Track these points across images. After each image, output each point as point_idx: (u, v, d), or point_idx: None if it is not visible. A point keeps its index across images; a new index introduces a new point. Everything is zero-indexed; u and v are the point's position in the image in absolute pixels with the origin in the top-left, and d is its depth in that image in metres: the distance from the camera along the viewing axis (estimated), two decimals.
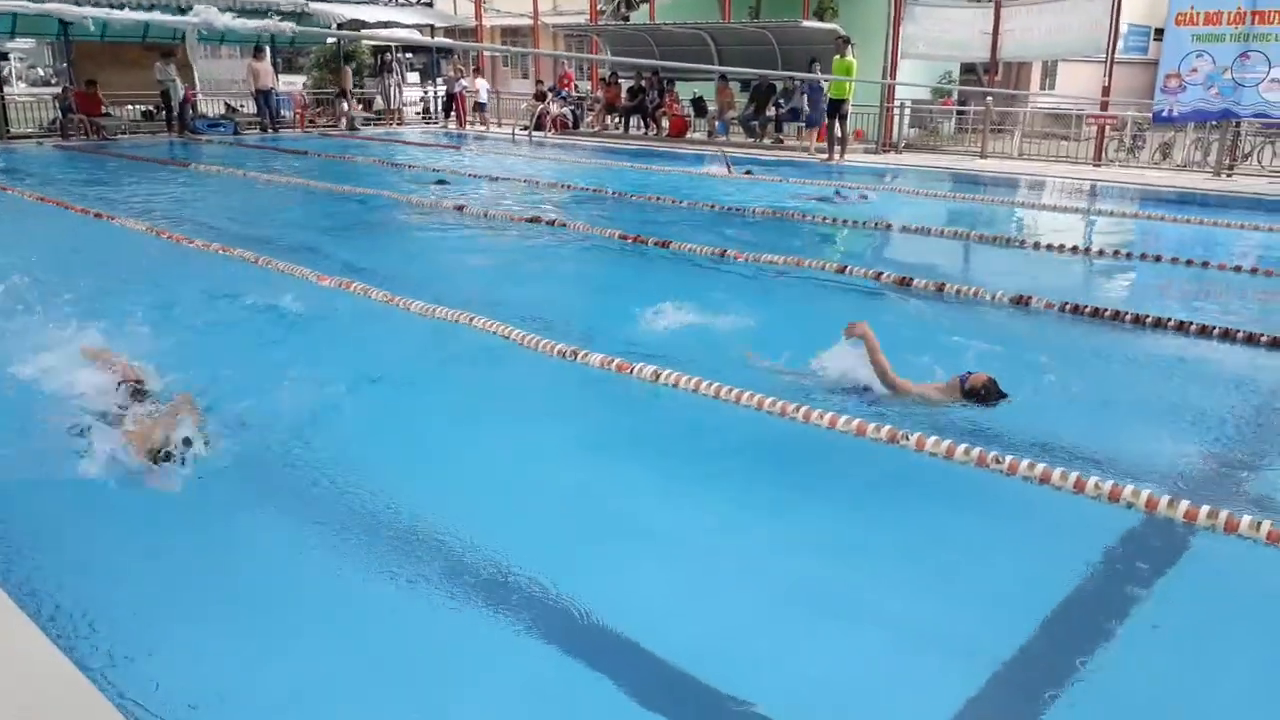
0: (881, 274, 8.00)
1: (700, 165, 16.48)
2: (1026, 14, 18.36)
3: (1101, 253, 9.49)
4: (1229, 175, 15.84)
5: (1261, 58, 15.21)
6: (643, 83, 22.74)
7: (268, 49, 23.16)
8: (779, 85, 20.30)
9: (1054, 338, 6.61)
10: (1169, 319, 6.59)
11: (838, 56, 16.46)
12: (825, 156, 17.51)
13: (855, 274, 8.13)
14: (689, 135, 22.03)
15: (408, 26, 25.61)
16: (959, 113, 22.20)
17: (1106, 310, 6.84)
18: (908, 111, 21.52)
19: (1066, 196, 14.37)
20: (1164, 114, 16.33)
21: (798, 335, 5.98)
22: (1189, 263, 8.83)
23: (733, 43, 21.54)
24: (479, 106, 25.63)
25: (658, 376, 5.21)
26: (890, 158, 18.95)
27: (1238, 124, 16.01)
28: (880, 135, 19.84)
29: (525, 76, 34.85)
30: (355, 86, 26.03)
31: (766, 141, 20.38)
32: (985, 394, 4.76)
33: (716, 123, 21.59)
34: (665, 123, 22.23)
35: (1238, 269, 8.71)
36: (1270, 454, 4.65)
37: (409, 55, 25.95)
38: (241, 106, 24.60)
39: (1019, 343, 6.30)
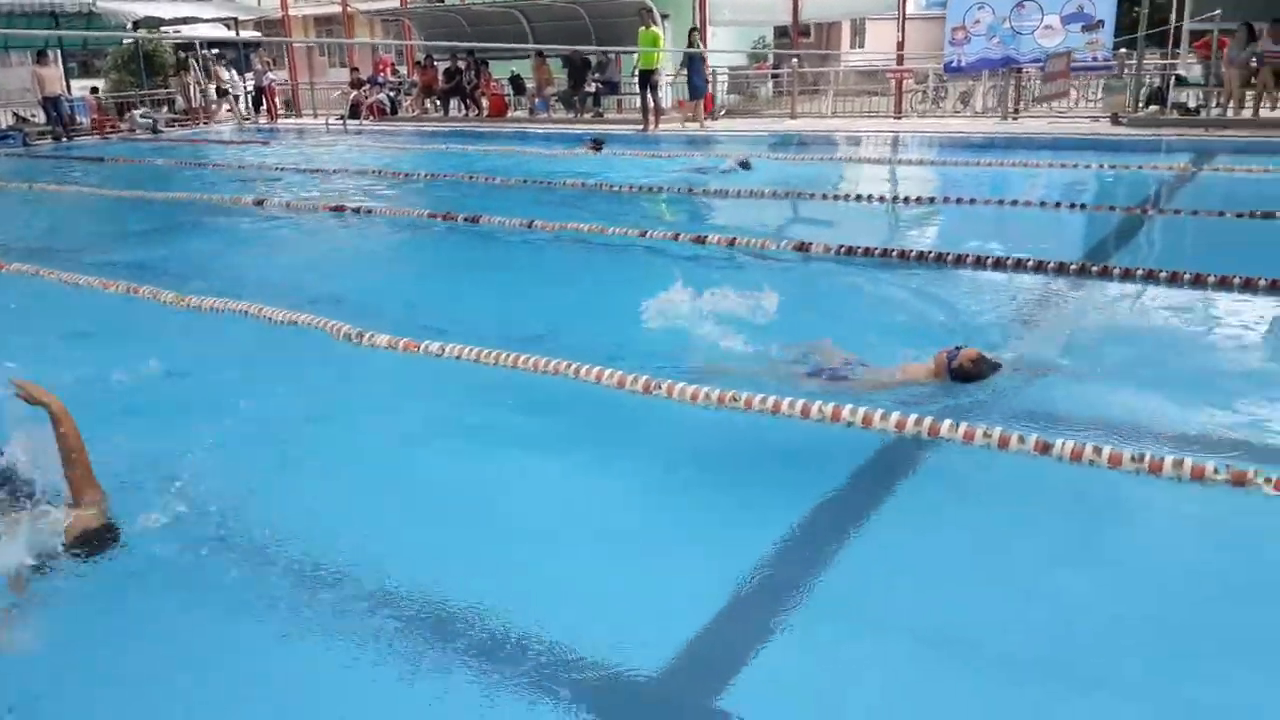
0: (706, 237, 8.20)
1: (542, 146, 16.37)
2: None
3: (898, 200, 10.05)
4: (1015, 118, 16.88)
5: (1035, 7, 16.21)
6: (459, 64, 22.45)
7: (54, 53, 21.76)
8: (593, 59, 20.40)
9: (833, 278, 6.97)
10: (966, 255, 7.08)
11: (642, 28, 16.68)
12: (696, 126, 17.81)
13: (664, 238, 8.31)
14: (510, 114, 21.92)
15: (208, 21, 24.52)
16: (773, 76, 22.91)
17: (911, 251, 7.27)
18: (724, 79, 22.06)
19: (863, 148, 15.04)
20: (953, 65, 17.23)
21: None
22: (973, 201, 9.48)
23: (545, 19, 21.50)
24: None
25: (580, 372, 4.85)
26: (707, 124, 19.38)
27: (1019, 70, 17.03)
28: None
29: (344, 65, 33.86)
30: (158, 87, 24.79)
31: (586, 116, 20.48)
32: (977, 371, 4.39)
33: (536, 100, 21.55)
34: (485, 103, 22.03)
35: (1028, 204, 9.29)
36: (1058, 368, 4.99)
37: (214, 51, 24.77)
38: (32, 116, 23.07)
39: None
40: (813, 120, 18.81)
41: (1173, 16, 15.96)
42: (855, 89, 21.96)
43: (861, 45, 31.74)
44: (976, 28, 16.70)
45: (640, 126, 17.62)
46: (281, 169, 14.74)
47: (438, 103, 23.08)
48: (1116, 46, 16.03)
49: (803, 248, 7.57)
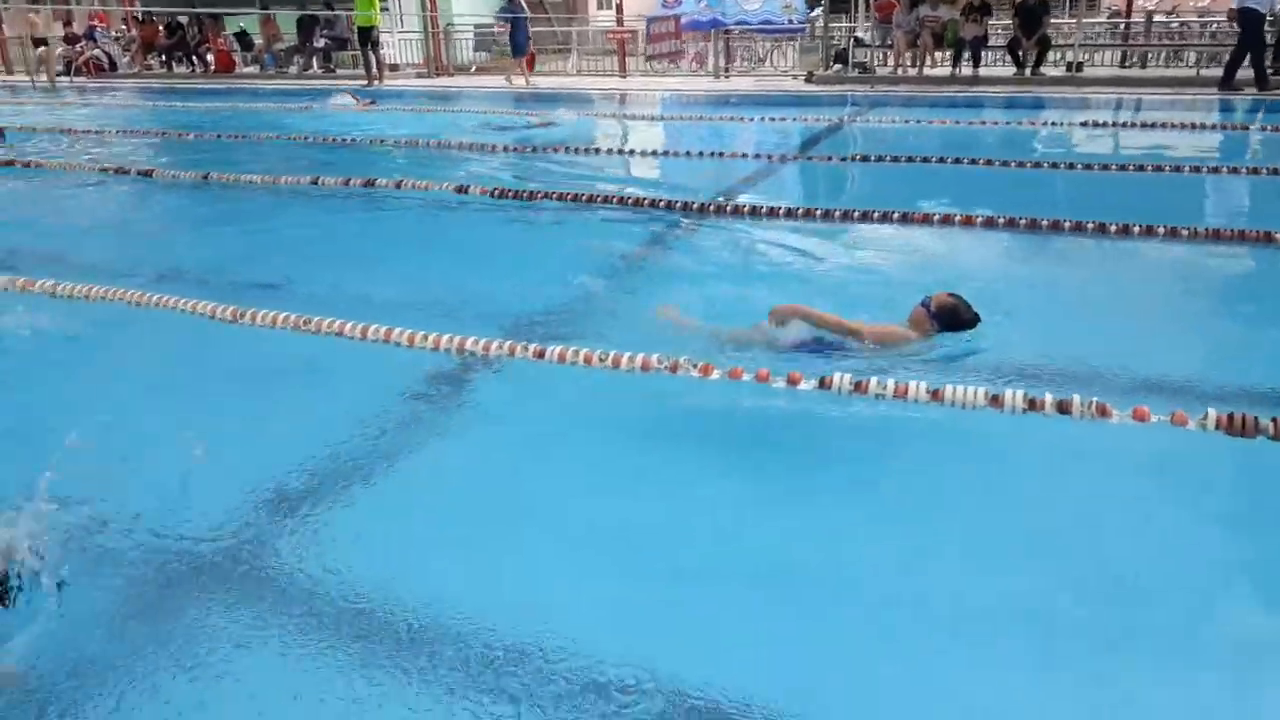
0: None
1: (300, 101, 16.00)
2: None
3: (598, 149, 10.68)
4: (726, 77, 18.04)
5: None
6: (181, 19, 21.50)
7: None
8: (321, 15, 20.08)
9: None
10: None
11: None
12: (522, 83, 17.86)
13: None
14: (238, 70, 21.23)
15: None
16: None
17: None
18: (467, 37, 22.29)
19: (591, 105, 15.70)
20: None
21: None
22: (687, 154, 10.10)
23: None
24: None
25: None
26: (442, 80, 19.58)
27: (728, 32, 18.17)
28: (431, 59, 20.32)
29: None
30: None
31: (319, 70, 20.18)
32: (961, 315, 4.12)
33: (265, 55, 20.99)
34: (210, 59, 21.23)
35: (733, 155, 9.87)
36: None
37: None
38: None
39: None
40: (556, 79, 19.44)
41: None
42: (603, 49, 22.71)
43: (609, 7, 32.44)
44: None
45: (364, 82, 17.59)
46: None
47: (162, 59, 22.04)
48: (811, 8, 17.44)
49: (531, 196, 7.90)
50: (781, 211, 7.21)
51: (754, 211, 7.29)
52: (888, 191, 8.24)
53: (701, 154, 9.90)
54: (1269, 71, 13.10)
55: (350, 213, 7.75)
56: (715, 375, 3.81)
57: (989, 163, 8.76)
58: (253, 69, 21.54)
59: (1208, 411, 3.23)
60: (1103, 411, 3.31)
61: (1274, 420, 3.18)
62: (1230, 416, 3.20)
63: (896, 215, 6.64)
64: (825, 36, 17.01)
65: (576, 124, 12.86)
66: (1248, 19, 12.60)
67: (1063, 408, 3.37)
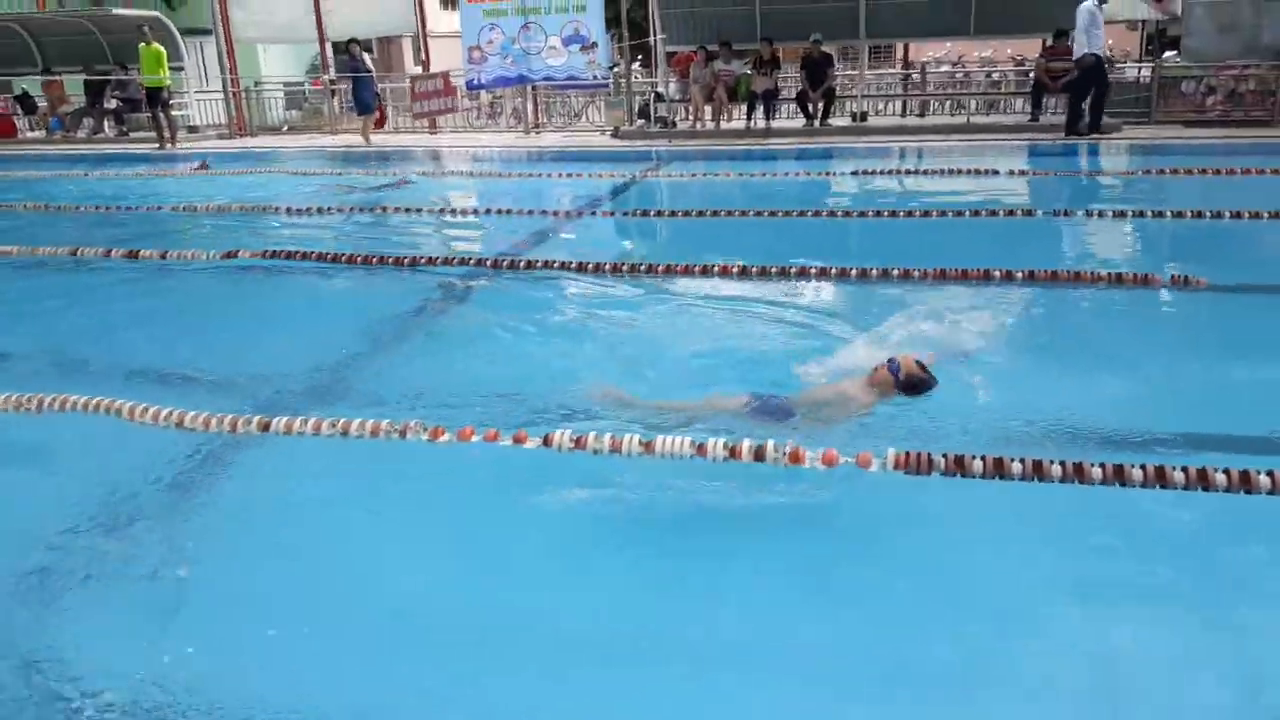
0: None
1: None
2: None
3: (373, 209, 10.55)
4: (537, 133, 18.25)
5: (539, 29, 17.61)
6: None
7: None
8: (112, 76, 19.24)
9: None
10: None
11: (143, 45, 16.07)
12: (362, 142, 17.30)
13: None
14: (19, 135, 20.05)
15: None
16: (333, 94, 22.89)
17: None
18: (277, 96, 21.85)
19: (403, 163, 15.54)
20: (473, 83, 18.23)
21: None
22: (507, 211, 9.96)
23: (53, 34, 19.94)
24: None
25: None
26: (247, 140, 19.03)
27: (535, 87, 18.41)
28: (231, 119, 19.75)
29: None
30: None
31: (111, 133, 19.28)
32: (923, 382, 4.07)
33: (51, 119, 19.90)
34: None
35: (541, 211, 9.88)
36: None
37: None
38: None
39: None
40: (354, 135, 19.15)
41: (652, 39, 18.01)
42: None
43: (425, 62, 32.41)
44: (490, 47, 17.81)
45: (155, 145, 16.92)
46: None
47: None
48: (612, 65, 17.87)
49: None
50: (605, 267, 7.04)
51: (564, 266, 7.13)
52: (689, 244, 8.49)
53: (508, 211, 9.90)
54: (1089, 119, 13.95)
55: (113, 285, 7.40)
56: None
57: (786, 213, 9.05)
58: (38, 134, 20.37)
59: (887, 451, 3.43)
60: (795, 458, 3.47)
61: (944, 456, 3.41)
62: (906, 455, 3.40)
63: (700, 268, 6.77)
64: (629, 92, 17.46)
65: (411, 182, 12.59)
66: (1094, 64, 13.40)
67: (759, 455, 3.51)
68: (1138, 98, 15.61)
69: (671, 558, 3.19)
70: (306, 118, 22.45)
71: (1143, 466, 3.26)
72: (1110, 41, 23.05)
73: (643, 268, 6.87)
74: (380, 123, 18.51)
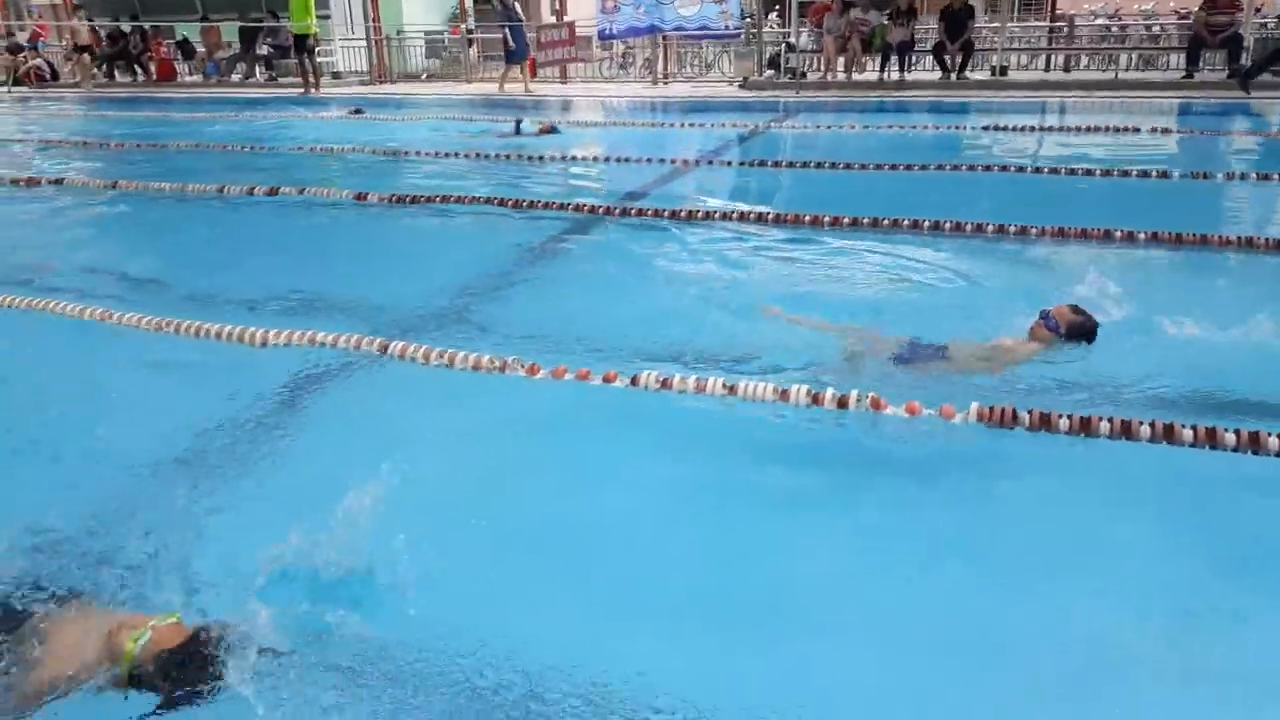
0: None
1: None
2: None
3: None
4: (665, 83, 18.25)
5: None
6: (123, 28, 21.45)
7: None
8: (264, 24, 20.13)
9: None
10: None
11: None
12: (519, 89, 17.65)
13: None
14: (179, 79, 21.22)
15: None
16: (470, 43, 23.35)
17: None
18: (418, 44, 22.48)
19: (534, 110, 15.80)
20: (605, 32, 18.32)
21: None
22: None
23: None
24: None
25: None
26: (386, 87, 19.67)
27: (665, 38, 18.37)
28: (373, 66, 20.42)
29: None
30: None
31: (261, 78, 20.21)
32: (1083, 326, 4.02)
33: (208, 64, 20.99)
34: (153, 68, 21.21)
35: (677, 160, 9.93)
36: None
37: None
38: None
39: None
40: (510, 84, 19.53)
41: None
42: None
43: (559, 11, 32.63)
44: None
45: (301, 90, 17.67)
46: None
47: (103, 68, 21.97)
48: (745, 15, 17.66)
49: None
50: (716, 215, 7.14)
51: (674, 215, 7.17)
52: (805, 196, 8.47)
53: (626, 159, 10.03)
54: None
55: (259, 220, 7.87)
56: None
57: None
58: (195, 77, 21.53)
59: (970, 406, 3.43)
60: (877, 405, 3.50)
61: (1030, 412, 3.38)
62: (990, 409, 3.39)
63: (830, 220, 6.73)
64: (759, 42, 17.24)
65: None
66: None
67: (842, 402, 3.55)
68: None
69: (752, 501, 3.26)
70: (445, 66, 23.01)
71: (1236, 431, 3.17)
72: None
73: (753, 216, 6.90)
74: (532, 71, 18.63)
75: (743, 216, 6.97)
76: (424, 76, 21.65)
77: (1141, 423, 3.27)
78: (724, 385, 3.69)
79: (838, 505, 3.19)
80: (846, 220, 6.62)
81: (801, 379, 3.79)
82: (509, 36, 17.46)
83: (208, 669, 2.13)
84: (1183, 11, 19.85)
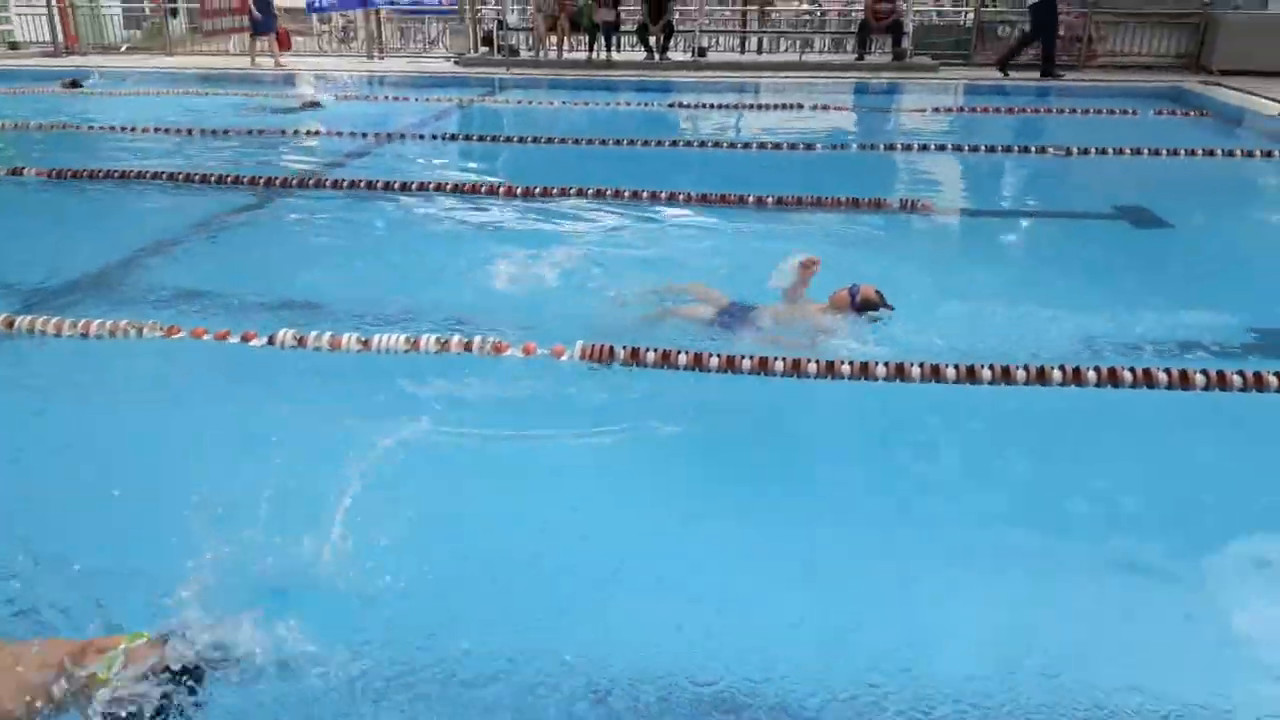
0: None
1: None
2: None
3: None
4: (380, 57, 17.99)
5: None
6: None
7: None
8: None
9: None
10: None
11: None
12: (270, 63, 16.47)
13: None
14: None
15: None
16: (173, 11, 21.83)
17: None
18: (114, 12, 20.86)
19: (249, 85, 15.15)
20: (315, 5, 17.82)
21: None
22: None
23: None
24: None
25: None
26: (76, 59, 18.18)
27: (378, 12, 18.11)
28: (56, 35, 18.81)
29: None
30: None
31: None
32: (874, 304, 4.50)
33: None
34: None
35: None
36: None
37: None
38: None
39: None
40: (203, 58, 18.53)
41: None
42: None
43: None
44: None
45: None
46: None
47: None
48: None
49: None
50: (409, 185, 7.42)
51: (353, 185, 7.46)
52: (505, 167, 8.92)
53: (349, 133, 10.03)
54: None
55: None
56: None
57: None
58: None
59: (577, 343, 3.88)
60: (498, 349, 3.88)
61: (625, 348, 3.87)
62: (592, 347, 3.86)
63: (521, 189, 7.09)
64: (473, 18, 17.38)
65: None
66: (1045, 9, 13.93)
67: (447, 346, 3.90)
68: (958, 40, 16.42)
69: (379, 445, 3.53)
70: (148, 38, 21.48)
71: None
72: None
73: (433, 186, 7.18)
74: (283, 44, 17.66)
75: (422, 187, 7.25)
76: (123, 49, 20.09)
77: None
78: (359, 340, 3.94)
79: (469, 442, 3.54)
80: (555, 189, 7.09)
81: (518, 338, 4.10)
82: (253, 7, 16.60)
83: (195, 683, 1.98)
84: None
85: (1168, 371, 3.77)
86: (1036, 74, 14.17)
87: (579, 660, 2.40)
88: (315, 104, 12.22)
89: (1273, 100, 11.28)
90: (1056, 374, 3.77)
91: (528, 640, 2.48)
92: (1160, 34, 15.36)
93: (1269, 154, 8.72)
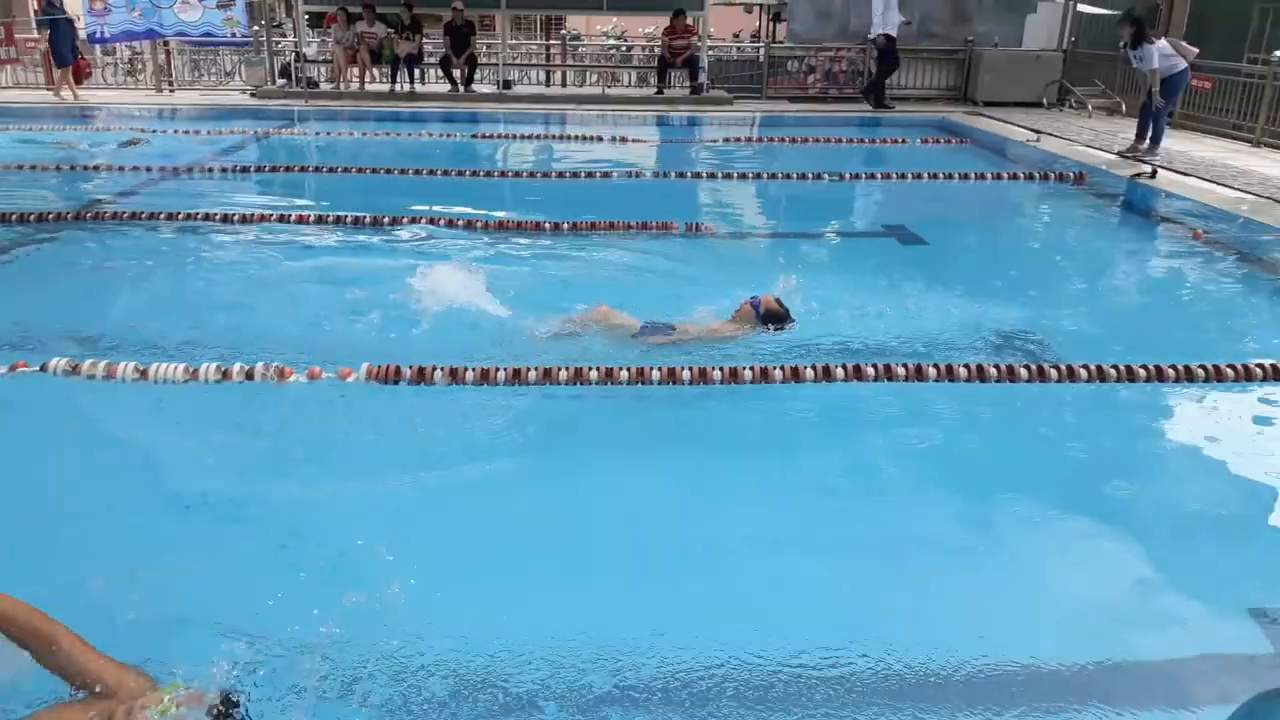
0: None
1: None
2: None
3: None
4: (170, 91, 17.29)
5: None
6: None
7: None
8: None
9: None
10: None
11: None
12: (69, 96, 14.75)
13: None
14: None
15: None
16: None
17: None
18: None
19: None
20: (97, 36, 16.95)
21: None
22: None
23: None
24: None
25: None
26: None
27: (167, 43, 17.42)
28: None
29: None
30: None
31: None
32: (781, 315, 4.72)
33: None
34: None
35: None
36: None
37: None
38: None
39: None
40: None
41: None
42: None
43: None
44: None
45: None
46: None
47: None
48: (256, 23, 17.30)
49: None
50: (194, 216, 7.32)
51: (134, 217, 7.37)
52: (308, 197, 8.85)
53: (95, 168, 9.58)
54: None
55: None
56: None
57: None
58: None
59: (363, 365, 3.97)
60: (282, 374, 3.91)
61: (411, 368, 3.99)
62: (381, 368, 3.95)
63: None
64: (270, 51, 17.00)
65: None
66: (886, 44, 14.84)
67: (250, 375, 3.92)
68: (751, 75, 17.34)
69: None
70: None
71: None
72: (740, 29, 25.23)
73: (219, 217, 7.10)
74: (77, 76, 16.48)
75: (208, 217, 7.14)
76: None
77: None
78: (135, 369, 3.89)
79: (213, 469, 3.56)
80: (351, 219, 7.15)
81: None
82: (54, 36, 15.53)
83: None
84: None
85: (912, 366, 4.24)
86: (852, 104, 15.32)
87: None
88: (134, 142, 11.64)
89: (1020, 128, 12.57)
90: (840, 371, 4.20)
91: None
92: (933, 69, 16.79)
93: (1015, 176, 9.76)
